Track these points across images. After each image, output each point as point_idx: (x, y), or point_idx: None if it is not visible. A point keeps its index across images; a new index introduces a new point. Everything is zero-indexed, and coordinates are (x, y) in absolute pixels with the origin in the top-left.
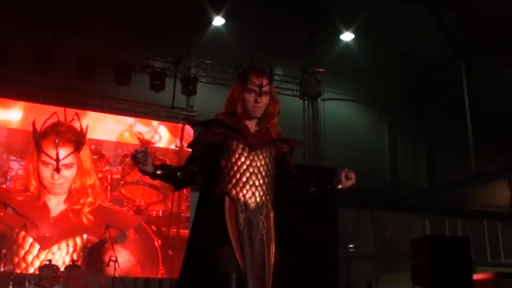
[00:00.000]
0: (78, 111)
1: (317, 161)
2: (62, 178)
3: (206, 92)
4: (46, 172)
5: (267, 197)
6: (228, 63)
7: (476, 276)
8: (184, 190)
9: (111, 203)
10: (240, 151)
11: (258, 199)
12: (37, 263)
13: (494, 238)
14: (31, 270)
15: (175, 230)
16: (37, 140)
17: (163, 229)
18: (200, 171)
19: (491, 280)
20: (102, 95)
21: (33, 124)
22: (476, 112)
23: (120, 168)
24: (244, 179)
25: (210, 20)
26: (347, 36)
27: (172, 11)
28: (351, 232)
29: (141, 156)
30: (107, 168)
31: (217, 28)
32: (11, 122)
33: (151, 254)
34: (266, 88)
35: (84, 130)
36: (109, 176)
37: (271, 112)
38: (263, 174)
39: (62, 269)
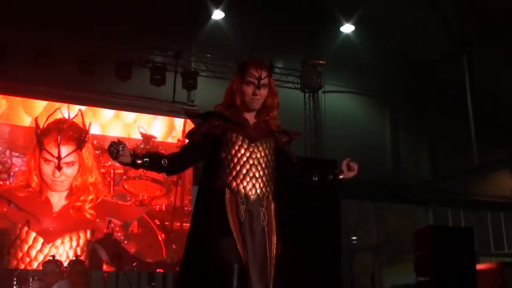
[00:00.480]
0: (81, 106)
1: (318, 154)
2: (63, 176)
3: (207, 86)
4: (47, 169)
5: (268, 188)
6: (228, 57)
7: (479, 266)
8: (187, 184)
9: (114, 198)
10: (240, 143)
11: (258, 190)
12: (41, 258)
13: (498, 229)
14: (35, 265)
15: (178, 224)
16: (39, 137)
17: (166, 223)
18: (193, 161)
19: (495, 270)
20: (103, 90)
21: (36, 121)
22: (478, 103)
23: None
24: (244, 171)
25: (210, 14)
26: (347, 28)
27: (172, 5)
28: (354, 224)
29: (113, 149)
30: (109, 163)
31: (217, 21)
32: (13, 118)
33: (154, 248)
34: (265, 81)
35: (87, 127)
36: (111, 171)
37: (269, 105)
38: (263, 165)
39: (65, 264)
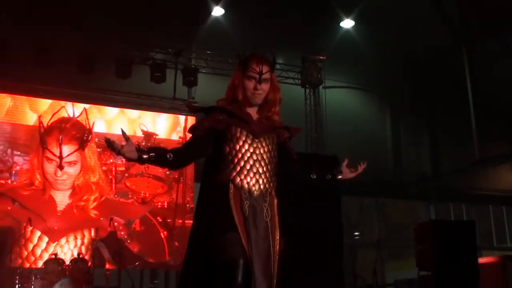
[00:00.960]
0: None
1: (319, 149)
2: (65, 175)
3: (207, 82)
4: (49, 168)
5: (271, 184)
6: (228, 53)
7: (481, 260)
8: (189, 181)
9: (116, 196)
10: (244, 138)
11: (261, 186)
12: (46, 256)
13: (500, 223)
14: (40, 264)
15: (180, 221)
16: (43, 135)
17: (168, 220)
18: (197, 156)
19: (497, 263)
20: (103, 88)
21: (39, 119)
22: (479, 98)
23: (124, 160)
24: (248, 167)
25: (210, 11)
26: (347, 23)
27: (172, 2)
28: (356, 220)
29: (116, 146)
30: (111, 160)
31: (216, 18)
32: (19, 116)
33: (157, 245)
34: (266, 75)
35: (91, 126)
36: (113, 169)
37: (271, 100)
38: (267, 161)
39: (68, 262)
